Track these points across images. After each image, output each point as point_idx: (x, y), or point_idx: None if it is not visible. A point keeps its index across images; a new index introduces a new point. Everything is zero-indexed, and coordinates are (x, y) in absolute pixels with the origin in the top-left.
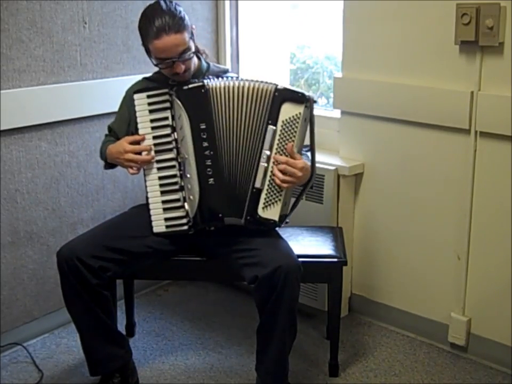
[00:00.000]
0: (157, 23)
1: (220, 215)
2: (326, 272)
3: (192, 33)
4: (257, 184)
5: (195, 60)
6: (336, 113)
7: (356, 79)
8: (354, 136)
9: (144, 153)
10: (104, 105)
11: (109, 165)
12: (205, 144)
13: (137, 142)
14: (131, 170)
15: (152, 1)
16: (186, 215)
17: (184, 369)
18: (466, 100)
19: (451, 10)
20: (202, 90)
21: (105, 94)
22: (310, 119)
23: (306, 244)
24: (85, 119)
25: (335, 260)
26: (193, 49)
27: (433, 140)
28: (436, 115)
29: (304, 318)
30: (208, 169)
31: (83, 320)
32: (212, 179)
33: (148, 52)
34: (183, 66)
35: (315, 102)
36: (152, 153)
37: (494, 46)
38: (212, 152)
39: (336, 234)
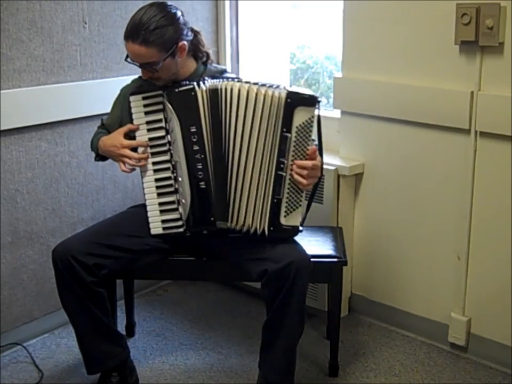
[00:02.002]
0: (131, 26)
1: (212, 218)
2: (326, 272)
3: (172, 49)
4: (278, 195)
5: (189, 63)
6: (336, 113)
7: (356, 79)
8: (354, 136)
9: (140, 149)
10: (104, 105)
11: (100, 157)
12: (196, 147)
13: (133, 134)
14: (123, 167)
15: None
16: (181, 218)
17: (184, 369)
18: (466, 100)
19: (451, 10)
20: (192, 93)
21: (105, 94)
22: (319, 120)
23: (306, 244)
24: (85, 119)
25: (335, 259)
26: (164, 64)
27: (433, 140)
28: (436, 115)
29: None
30: (199, 172)
31: (79, 318)
32: (202, 182)
33: None
34: (147, 74)
35: (319, 101)
36: (148, 150)
37: (494, 46)
38: (202, 156)
39: (336, 234)
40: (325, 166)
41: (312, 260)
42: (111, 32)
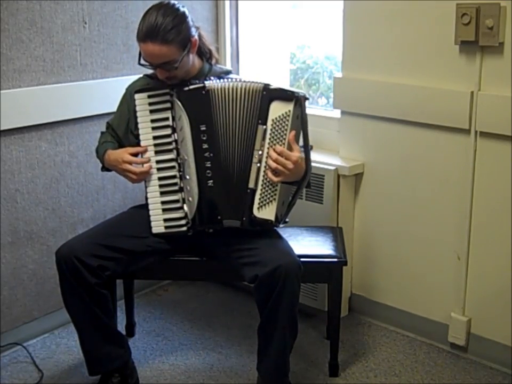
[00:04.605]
0: (147, 26)
1: (219, 217)
2: (326, 272)
3: (188, 46)
4: (251, 185)
5: (196, 61)
6: (336, 113)
7: (356, 79)
8: (354, 136)
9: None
10: (104, 105)
11: (106, 168)
12: (205, 146)
13: (138, 140)
14: (130, 179)
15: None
16: (185, 217)
17: (184, 369)
18: (466, 100)
19: (451, 10)
20: (203, 92)
21: (105, 94)
22: (301, 117)
23: (306, 244)
24: (85, 119)
25: (335, 259)
26: (182, 61)
27: (433, 140)
28: (436, 115)
29: (304, 318)
30: (208, 171)
31: (82, 319)
32: (211, 181)
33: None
34: (165, 73)
35: (307, 99)
36: (152, 165)
37: (494, 46)
38: (211, 154)
39: (336, 234)
40: (325, 166)
41: (312, 259)
42: (111, 32)
